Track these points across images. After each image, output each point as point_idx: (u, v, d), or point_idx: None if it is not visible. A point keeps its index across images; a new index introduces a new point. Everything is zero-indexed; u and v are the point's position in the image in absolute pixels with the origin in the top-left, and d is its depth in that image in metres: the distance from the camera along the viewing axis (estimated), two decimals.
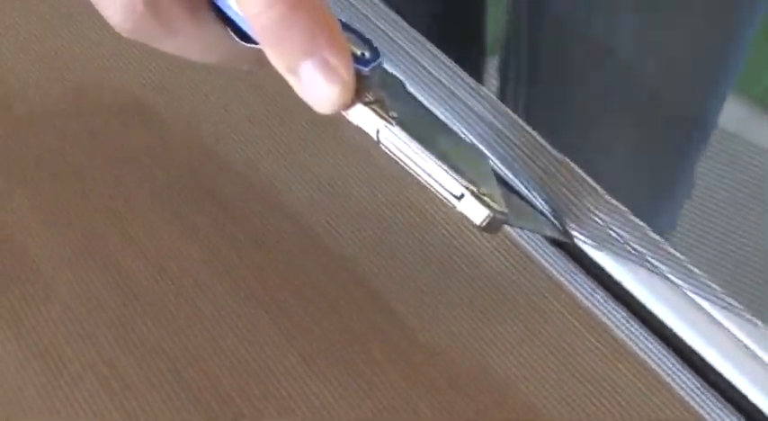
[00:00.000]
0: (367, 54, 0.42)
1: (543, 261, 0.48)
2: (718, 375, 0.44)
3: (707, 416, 0.43)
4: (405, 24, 0.54)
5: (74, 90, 0.54)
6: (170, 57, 0.44)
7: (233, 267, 0.47)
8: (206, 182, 0.50)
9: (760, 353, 0.44)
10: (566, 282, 0.47)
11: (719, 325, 0.45)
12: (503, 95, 0.85)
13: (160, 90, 0.54)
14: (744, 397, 0.43)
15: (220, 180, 0.50)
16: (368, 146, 0.46)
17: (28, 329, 0.45)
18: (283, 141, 0.52)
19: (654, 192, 0.86)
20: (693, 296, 0.45)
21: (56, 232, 0.48)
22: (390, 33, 0.54)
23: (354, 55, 0.42)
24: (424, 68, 0.53)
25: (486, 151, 0.50)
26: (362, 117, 0.42)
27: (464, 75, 0.52)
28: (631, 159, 0.83)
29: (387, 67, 0.44)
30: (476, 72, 0.92)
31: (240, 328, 0.45)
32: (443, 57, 0.53)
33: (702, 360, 0.44)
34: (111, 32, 0.41)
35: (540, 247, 0.48)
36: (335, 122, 0.45)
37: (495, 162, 0.49)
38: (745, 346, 0.44)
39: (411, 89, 0.46)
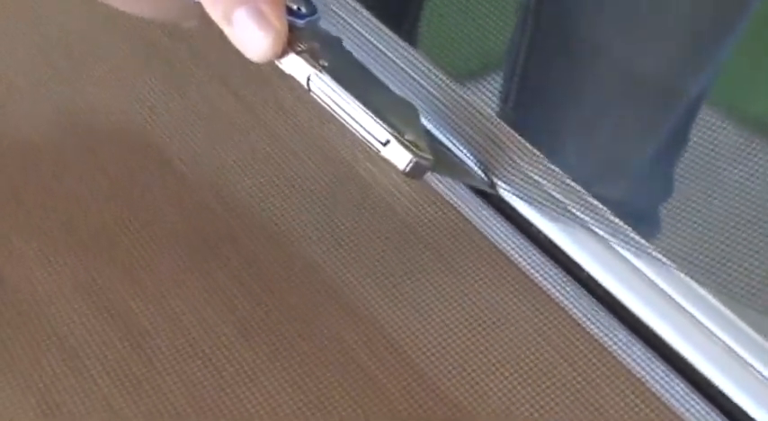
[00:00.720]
0: (303, 9, 0.45)
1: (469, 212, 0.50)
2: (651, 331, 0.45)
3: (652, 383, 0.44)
4: None
5: (78, 127, 0.53)
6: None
7: (240, 308, 0.46)
8: (218, 223, 0.49)
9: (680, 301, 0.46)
10: (489, 232, 0.49)
11: (641, 273, 0.47)
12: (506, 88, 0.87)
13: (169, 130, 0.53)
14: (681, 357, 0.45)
15: (232, 222, 0.50)
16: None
17: (25, 375, 0.44)
18: (290, 177, 0.52)
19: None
20: (606, 236, 0.47)
21: (59, 276, 0.47)
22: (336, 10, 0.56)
23: (290, 8, 0.44)
24: (358, 32, 0.55)
25: (416, 106, 0.51)
26: (294, 65, 0.44)
27: (397, 38, 0.55)
28: (616, 134, 0.85)
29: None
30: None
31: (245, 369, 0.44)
32: (377, 21, 0.55)
33: (612, 296, 0.46)
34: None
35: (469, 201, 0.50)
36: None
37: (425, 116, 0.51)
38: (671, 298, 0.46)
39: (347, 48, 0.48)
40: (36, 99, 0.53)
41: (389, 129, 0.44)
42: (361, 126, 0.44)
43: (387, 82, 0.52)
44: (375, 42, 0.55)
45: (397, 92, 0.52)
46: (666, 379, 0.44)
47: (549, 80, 0.84)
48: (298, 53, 0.44)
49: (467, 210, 0.49)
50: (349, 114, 0.44)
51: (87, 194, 0.50)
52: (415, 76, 0.53)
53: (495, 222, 0.49)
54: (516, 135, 0.50)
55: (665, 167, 0.93)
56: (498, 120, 0.51)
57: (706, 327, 0.45)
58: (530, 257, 0.47)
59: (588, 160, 0.85)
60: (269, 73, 0.50)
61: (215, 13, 0.42)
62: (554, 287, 0.46)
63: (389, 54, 0.54)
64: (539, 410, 0.42)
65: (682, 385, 0.43)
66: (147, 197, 0.49)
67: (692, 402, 0.43)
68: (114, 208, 0.49)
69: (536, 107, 0.86)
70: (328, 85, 0.44)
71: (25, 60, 0.54)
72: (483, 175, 0.49)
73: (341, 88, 0.44)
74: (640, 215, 0.93)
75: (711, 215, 1.32)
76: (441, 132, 0.51)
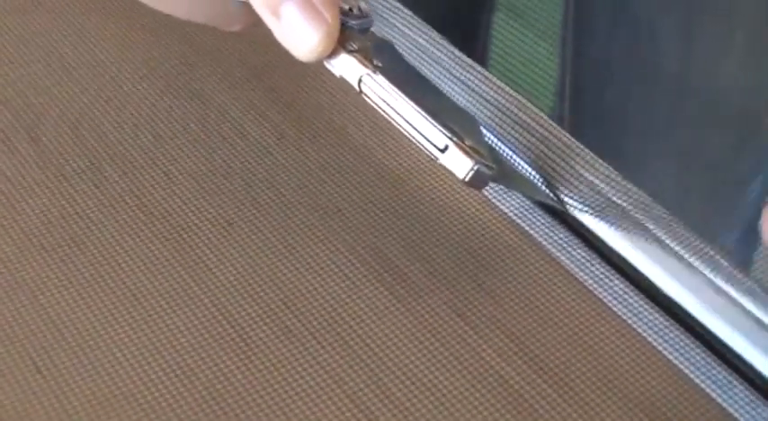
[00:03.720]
0: (356, 11, 0.42)
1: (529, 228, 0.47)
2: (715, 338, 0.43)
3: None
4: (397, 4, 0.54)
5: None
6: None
7: None
8: None
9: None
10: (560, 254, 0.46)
11: (721, 291, 0.44)
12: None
13: None
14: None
15: None
16: None
17: None
18: None
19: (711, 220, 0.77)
20: (685, 254, 0.44)
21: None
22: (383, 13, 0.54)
23: (342, 9, 0.41)
24: (413, 39, 0.52)
25: (476, 117, 0.48)
26: (345, 65, 0.41)
27: (454, 48, 0.52)
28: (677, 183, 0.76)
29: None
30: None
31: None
32: (432, 31, 0.53)
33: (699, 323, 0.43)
34: None
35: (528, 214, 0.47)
36: None
37: (485, 129, 0.48)
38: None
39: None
40: None
41: (448, 134, 0.40)
42: (417, 131, 0.41)
43: (444, 90, 0.49)
44: (432, 49, 0.52)
45: (456, 100, 0.49)
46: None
47: None
48: (349, 53, 0.41)
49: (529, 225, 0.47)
50: (404, 118, 0.41)
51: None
52: (474, 86, 0.50)
53: (560, 237, 0.46)
54: (581, 146, 0.47)
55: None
56: (563, 131, 0.48)
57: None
58: (607, 280, 0.45)
59: None
60: None
61: (262, 8, 0.40)
62: (619, 302, 0.44)
63: (447, 63, 0.51)
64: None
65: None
66: None
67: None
68: None
69: None
70: (382, 87, 0.41)
71: None
72: (549, 191, 0.46)
73: (395, 90, 0.41)
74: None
75: None
76: (503, 144, 0.48)
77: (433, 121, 0.40)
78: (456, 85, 0.50)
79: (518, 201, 0.47)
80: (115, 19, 0.57)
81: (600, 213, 0.45)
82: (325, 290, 0.44)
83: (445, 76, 0.50)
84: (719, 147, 0.71)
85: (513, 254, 0.45)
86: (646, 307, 0.44)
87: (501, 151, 0.48)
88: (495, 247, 0.45)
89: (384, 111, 0.41)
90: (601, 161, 0.47)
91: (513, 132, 0.48)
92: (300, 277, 0.44)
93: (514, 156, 0.47)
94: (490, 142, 0.47)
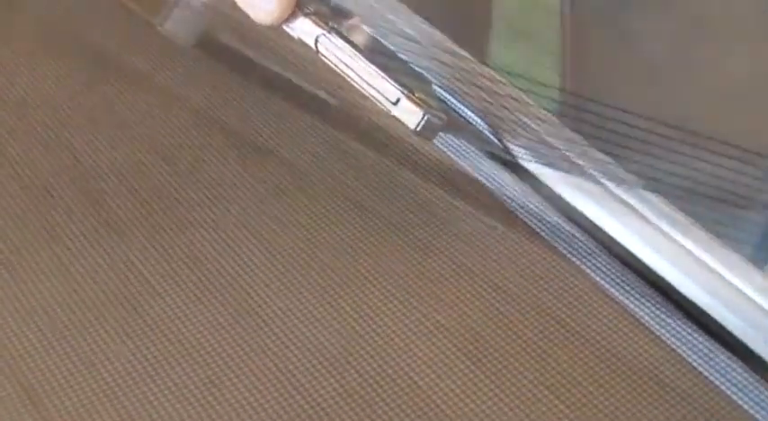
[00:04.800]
0: None
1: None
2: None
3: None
4: None
5: None
6: None
7: None
8: None
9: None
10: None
11: (651, 223, 0.45)
12: None
13: None
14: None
15: None
16: None
17: None
18: None
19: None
20: (623, 195, 0.46)
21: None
22: None
23: None
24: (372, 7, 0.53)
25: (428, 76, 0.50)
26: (302, 27, 0.45)
27: (409, 10, 0.53)
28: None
29: None
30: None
31: None
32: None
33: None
34: None
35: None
36: None
37: (437, 86, 0.49)
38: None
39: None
40: None
41: (400, 88, 0.43)
42: (371, 86, 0.44)
43: (398, 52, 0.51)
44: (387, 14, 0.52)
45: (409, 61, 0.50)
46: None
47: None
48: (306, 15, 0.45)
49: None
50: (358, 74, 0.44)
51: None
52: (427, 46, 0.51)
53: (656, 307, 0.44)
54: (525, 98, 0.48)
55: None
56: (511, 86, 0.49)
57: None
58: (712, 356, 0.42)
59: None
60: None
61: None
62: (727, 379, 0.41)
63: (401, 24, 0.52)
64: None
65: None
66: None
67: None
68: None
69: None
70: (337, 45, 0.44)
71: None
72: (496, 139, 0.48)
73: (350, 48, 0.44)
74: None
75: None
76: (453, 98, 0.49)
77: (385, 76, 0.44)
78: (411, 45, 0.51)
79: (607, 266, 0.44)
80: (175, 77, 0.54)
81: (544, 160, 0.46)
82: (410, 367, 0.41)
83: (401, 36, 0.52)
84: (727, 161, 0.71)
85: (606, 324, 0.42)
86: (756, 384, 0.41)
87: (451, 105, 0.49)
88: (585, 317, 0.43)
89: (339, 68, 0.44)
90: (542, 110, 0.48)
91: (463, 87, 0.49)
92: (382, 352, 0.41)
93: (464, 109, 0.49)
94: (441, 97, 0.49)
